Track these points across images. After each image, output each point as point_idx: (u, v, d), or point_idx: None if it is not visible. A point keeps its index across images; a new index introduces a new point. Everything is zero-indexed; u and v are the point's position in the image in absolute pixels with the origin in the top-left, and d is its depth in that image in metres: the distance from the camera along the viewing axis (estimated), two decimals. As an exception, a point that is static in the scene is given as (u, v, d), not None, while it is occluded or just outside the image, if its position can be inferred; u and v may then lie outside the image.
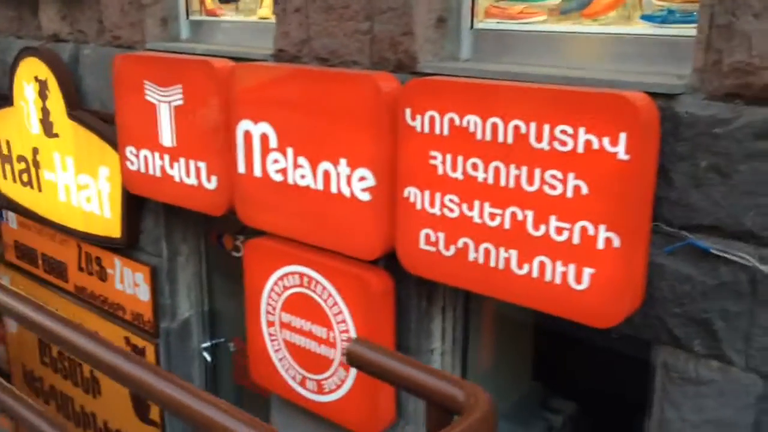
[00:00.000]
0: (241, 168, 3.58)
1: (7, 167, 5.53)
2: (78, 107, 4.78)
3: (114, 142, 4.45)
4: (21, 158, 5.35)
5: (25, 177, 5.37)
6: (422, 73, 3.08)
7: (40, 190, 5.26)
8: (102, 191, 4.68)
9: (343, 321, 3.31)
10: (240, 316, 4.76)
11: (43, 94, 4.91)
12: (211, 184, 3.76)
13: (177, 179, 3.95)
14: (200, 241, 4.71)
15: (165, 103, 3.90)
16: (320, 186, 3.25)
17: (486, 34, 3.17)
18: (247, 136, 3.51)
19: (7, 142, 5.43)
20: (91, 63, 4.73)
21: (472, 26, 3.18)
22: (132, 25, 4.41)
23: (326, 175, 3.22)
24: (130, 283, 4.78)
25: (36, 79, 4.93)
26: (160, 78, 3.89)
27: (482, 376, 3.66)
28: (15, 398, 2.35)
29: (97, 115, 4.68)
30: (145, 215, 4.61)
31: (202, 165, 3.78)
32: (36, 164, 5.21)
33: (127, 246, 4.70)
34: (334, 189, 3.20)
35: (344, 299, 3.28)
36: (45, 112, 4.94)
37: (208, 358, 4.78)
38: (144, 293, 4.69)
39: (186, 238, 4.67)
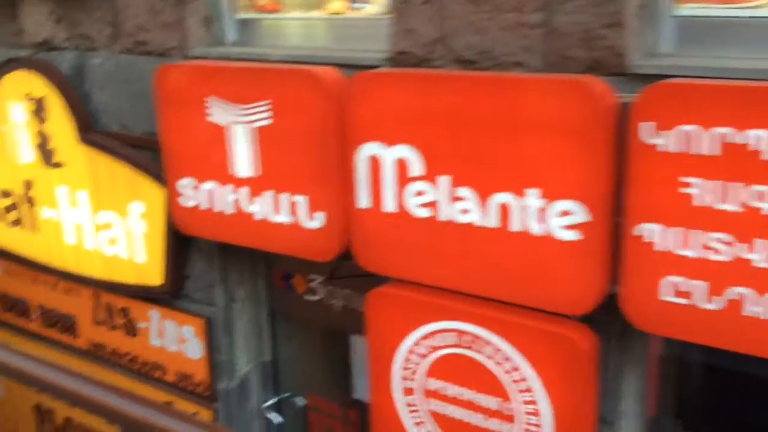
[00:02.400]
0: (364, 202, 2.78)
1: (-15, 204, 4.45)
2: (91, 130, 3.80)
3: (153, 172, 3.53)
4: (5, 194, 4.30)
5: (12, 215, 4.32)
6: (631, 75, 2.39)
7: (35, 230, 4.23)
8: (133, 231, 3.73)
9: (528, 390, 2.60)
10: (312, 367, 3.96)
11: (39, 115, 3.89)
12: (315, 222, 2.94)
13: (259, 217, 3.10)
14: (259, 282, 3.85)
15: (242, 123, 3.03)
16: (494, 223, 2.51)
17: (692, 22, 2.50)
18: (374, 162, 2.71)
19: (-16, 175, 4.35)
20: (104, 75, 3.76)
21: (671, 13, 2.51)
22: (165, 27, 3.48)
23: (504, 209, 2.48)
24: (173, 338, 3.87)
25: (28, 97, 3.90)
26: (235, 93, 3.02)
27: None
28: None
29: (120, 138, 3.72)
30: (193, 258, 3.71)
31: (300, 199, 2.95)
32: (29, 200, 4.18)
33: (170, 294, 3.79)
34: (516, 227, 2.46)
35: (532, 363, 2.56)
36: (43, 137, 3.93)
37: (277, 419, 3.94)
38: (194, 350, 3.80)
39: (243, 280, 3.79)
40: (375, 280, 2.93)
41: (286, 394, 3.99)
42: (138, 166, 3.61)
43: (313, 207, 2.93)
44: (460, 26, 2.68)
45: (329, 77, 2.79)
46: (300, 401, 3.95)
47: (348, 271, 3.31)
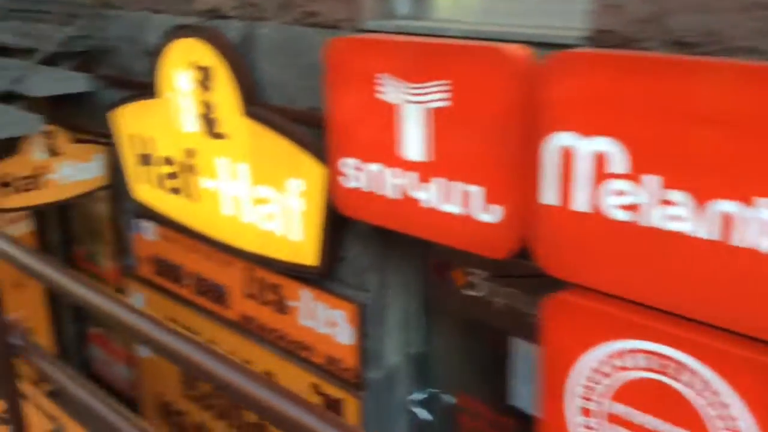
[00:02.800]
0: (550, 198, 2.47)
1: (147, 171, 4.48)
2: (255, 102, 3.69)
3: (315, 149, 3.37)
4: (167, 161, 4.30)
5: (172, 183, 4.33)
6: None
7: (194, 199, 4.21)
8: (291, 208, 3.60)
9: (735, 430, 2.22)
10: (465, 365, 3.71)
11: (205, 84, 3.82)
12: (491, 216, 2.66)
13: (428, 205, 2.86)
14: (415, 270, 3.63)
15: (415, 103, 2.79)
16: (711, 235, 2.13)
17: None
18: (566, 154, 2.39)
19: (149, 141, 4.37)
20: (271, 46, 3.62)
21: None
22: (337, -4, 3.29)
23: (726, 219, 2.09)
24: (324, 320, 3.73)
25: (195, 65, 3.84)
26: (410, 70, 2.77)
27: None
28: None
29: (283, 113, 3.59)
30: (349, 240, 3.54)
31: (475, 189, 2.68)
32: (190, 169, 4.15)
33: (323, 276, 3.64)
34: (740, 241, 2.08)
35: (745, 400, 2.18)
36: (207, 106, 3.86)
37: (424, 415, 3.73)
38: (345, 335, 3.64)
39: (398, 267, 3.59)
40: (545, 282, 2.62)
41: (435, 390, 3.77)
42: (300, 143, 3.45)
43: (490, 199, 2.65)
44: (680, 3, 2.29)
45: (518, 56, 2.48)
46: (449, 399, 3.71)
47: (517, 270, 3.02)
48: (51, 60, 4.66)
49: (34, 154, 4.65)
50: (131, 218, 4.89)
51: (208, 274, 4.40)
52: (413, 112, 2.80)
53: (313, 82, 3.38)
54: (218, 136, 3.86)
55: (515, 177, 2.56)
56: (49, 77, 4.49)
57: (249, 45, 3.71)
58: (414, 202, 2.91)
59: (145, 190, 4.58)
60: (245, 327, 4.25)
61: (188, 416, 4.95)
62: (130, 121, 4.44)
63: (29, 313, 5.80)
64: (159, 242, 4.73)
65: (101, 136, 4.99)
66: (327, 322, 3.71)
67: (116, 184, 5.00)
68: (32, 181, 4.67)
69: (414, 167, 2.87)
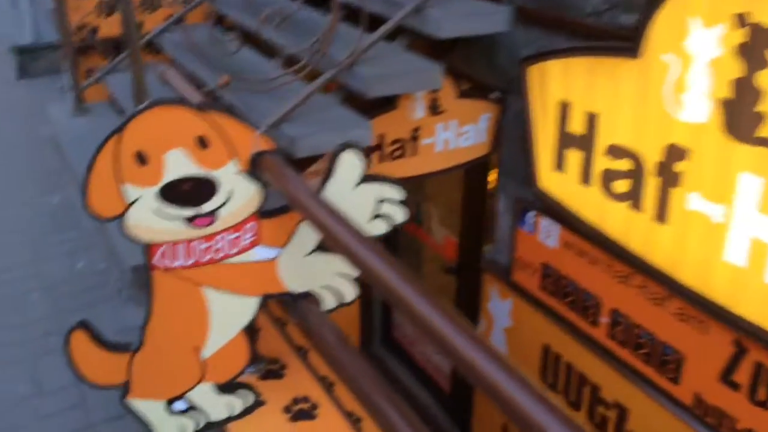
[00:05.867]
0: None
1: (576, 156, 3.02)
2: None
3: None
4: (616, 151, 2.80)
5: (621, 185, 2.83)
6: None
7: (659, 219, 2.70)
8: None
9: None
10: None
11: (751, 51, 2.21)
12: None
13: None
14: None
15: None
16: None
17: None
18: None
19: (593, 117, 2.88)
20: None
21: None
22: None
23: None
24: None
25: (740, 20, 2.22)
26: None
27: None
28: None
29: None
30: None
31: None
32: (669, 175, 2.62)
33: None
34: None
35: None
36: (746, 87, 2.26)
37: None
38: None
39: None
40: None
41: None
42: None
43: None
44: None
45: None
46: None
47: None
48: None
49: (414, 110, 3.38)
50: (520, 207, 3.51)
51: (650, 325, 2.92)
52: None
53: None
54: (759, 141, 2.27)
55: None
56: (456, 11, 3.12)
57: None
58: None
59: (560, 179, 3.14)
60: (705, 419, 2.76)
61: None
62: (564, 83, 2.96)
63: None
64: (561, 251, 3.31)
65: (491, 90, 3.61)
66: None
67: (501, 156, 3.63)
68: (404, 145, 3.42)
69: None
